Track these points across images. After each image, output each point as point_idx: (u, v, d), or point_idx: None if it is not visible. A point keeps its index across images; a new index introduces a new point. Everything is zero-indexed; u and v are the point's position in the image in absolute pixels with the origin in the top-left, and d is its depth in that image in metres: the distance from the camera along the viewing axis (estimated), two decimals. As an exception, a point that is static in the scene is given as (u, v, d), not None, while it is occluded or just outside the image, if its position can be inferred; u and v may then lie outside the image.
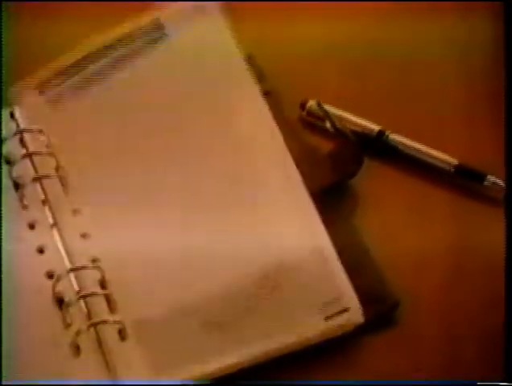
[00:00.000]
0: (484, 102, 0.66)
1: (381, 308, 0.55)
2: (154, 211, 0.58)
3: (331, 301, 0.54)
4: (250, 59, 0.65)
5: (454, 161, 0.61)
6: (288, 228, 0.57)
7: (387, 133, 0.63)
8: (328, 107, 0.64)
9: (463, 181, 0.61)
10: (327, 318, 0.54)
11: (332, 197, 0.60)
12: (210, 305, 0.55)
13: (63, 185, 0.61)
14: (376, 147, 0.63)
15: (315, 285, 0.55)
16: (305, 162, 0.60)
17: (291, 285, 0.55)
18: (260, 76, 0.64)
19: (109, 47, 0.65)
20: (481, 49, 0.68)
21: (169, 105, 0.62)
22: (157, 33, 0.65)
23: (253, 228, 0.57)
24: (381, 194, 0.61)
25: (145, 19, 0.65)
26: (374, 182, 0.61)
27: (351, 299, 0.54)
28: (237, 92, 0.61)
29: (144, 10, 0.66)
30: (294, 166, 0.58)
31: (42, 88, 0.65)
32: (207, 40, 0.63)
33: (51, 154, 0.61)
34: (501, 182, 0.60)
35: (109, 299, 0.56)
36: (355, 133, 0.63)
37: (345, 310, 0.54)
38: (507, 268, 0.57)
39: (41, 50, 0.68)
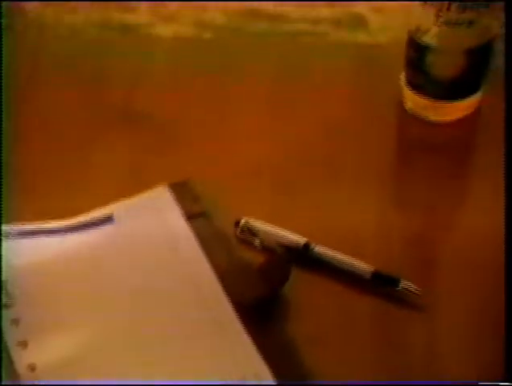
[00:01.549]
0: (396, 215, 0.68)
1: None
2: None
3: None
4: (187, 183, 0.67)
5: (371, 268, 0.62)
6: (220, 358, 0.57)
7: (312, 245, 0.64)
8: (259, 223, 0.65)
9: (380, 286, 0.63)
10: None
11: (264, 307, 0.60)
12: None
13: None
14: (303, 258, 0.63)
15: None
16: (238, 276, 0.61)
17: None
18: (195, 199, 0.66)
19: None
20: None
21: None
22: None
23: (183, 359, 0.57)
24: (309, 301, 0.61)
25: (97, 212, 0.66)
26: (303, 290, 0.62)
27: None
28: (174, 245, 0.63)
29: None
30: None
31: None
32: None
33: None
34: (413, 287, 0.61)
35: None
36: (284, 246, 0.64)
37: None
38: (507, 269, 0.57)
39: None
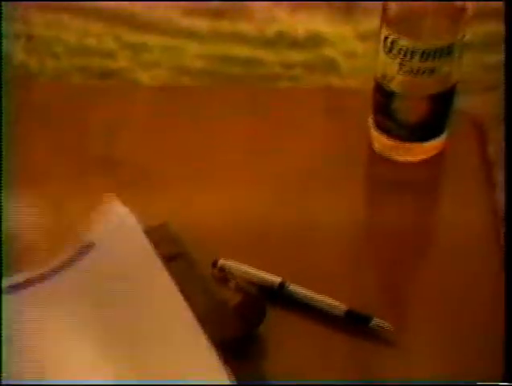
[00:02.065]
0: (368, 252, 0.68)
1: None
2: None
3: None
4: (164, 226, 0.67)
5: (344, 307, 0.62)
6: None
7: (287, 284, 0.64)
8: (235, 264, 0.65)
9: (354, 323, 0.62)
10: None
11: (241, 345, 0.60)
12: None
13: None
14: (279, 297, 0.63)
15: None
16: (215, 316, 0.61)
17: None
18: (173, 241, 0.66)
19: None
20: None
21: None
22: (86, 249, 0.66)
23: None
24: (285, 339, 0.61)
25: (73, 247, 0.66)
26: (279, 328, 0.62)
27: None
28: (149, 279, 0.63)
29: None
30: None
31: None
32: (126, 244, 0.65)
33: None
34: (385, 324, 0.61)
35: None
36: (260, 285, 0.64)
37: None
38: (507, 269, 0.57)
39: None
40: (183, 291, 0.63)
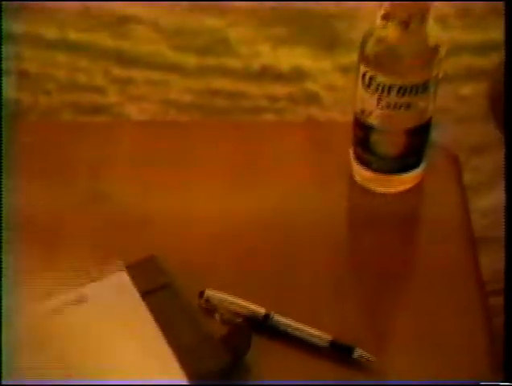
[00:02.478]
0: (350, 282, 0.68)
1: None
2: None
3: None
4: (151, 259, 0.66)
5: (328, 337, 0.62)
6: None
7: (272, 315, 0.63)
8: (221, 294, 0.65)
9: (337, 353, 0.62)
10: None
11: (227, 374, 0.60)
12: None
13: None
14: (264, 328, 0.63)
15: None
16: (202, 347, 0.60)
17: None
18: (160, 272, 0.65)
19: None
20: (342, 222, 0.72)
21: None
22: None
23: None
24: (270, 369, 0.61)
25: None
26: (264, 358, 0.61)
27: None
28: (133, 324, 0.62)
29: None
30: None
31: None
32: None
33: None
34: (367, 354, 0.61)
35: None
36: (245, 316, 0.64)
37: None
38: (507, 269, 0.56)
39: None
40: (169, 322, 0.63)
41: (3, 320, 0.62)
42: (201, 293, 0.65)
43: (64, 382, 0.56)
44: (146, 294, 0.64)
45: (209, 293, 0.65)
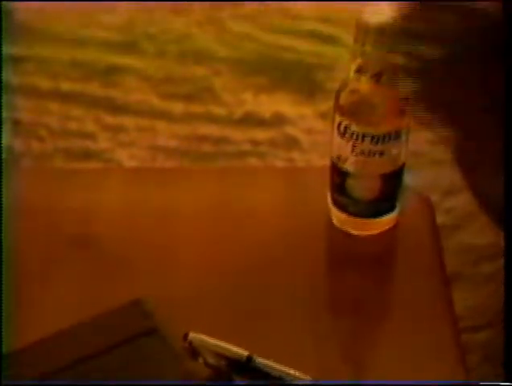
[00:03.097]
0: (329, 323, 0.66)
1: None
2: None
3: None
4: (138, 302, 0.65)
5: (308, 378, 0.60)
6: None
7: (254, 357, 0.61)
8: (205, 337, 0.63)
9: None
10: None
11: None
12: None
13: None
14: (246, 370, 0.61)
15: None
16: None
17: None
18: (146, 316, 0.64)
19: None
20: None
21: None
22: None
23: None
24: None
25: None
26: None
27: None
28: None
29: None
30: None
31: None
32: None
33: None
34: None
35: None
36: (228, 358, 0.62)
37: None
38: (507, 268, 0.55)
39: None
40: (155, 366, 0.62)
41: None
42: (185, 336, 0.64)
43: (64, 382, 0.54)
44: (132, 338, 0.64)
45: (193, 335, 0.64)
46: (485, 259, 0.95)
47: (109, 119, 1.10)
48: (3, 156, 1.03)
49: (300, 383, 0.58)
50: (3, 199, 0.75)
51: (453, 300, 0.73)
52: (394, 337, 0.64)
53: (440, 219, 1.02)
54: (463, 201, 1.02)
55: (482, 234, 0.98)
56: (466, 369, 0.63)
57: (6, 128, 1.12)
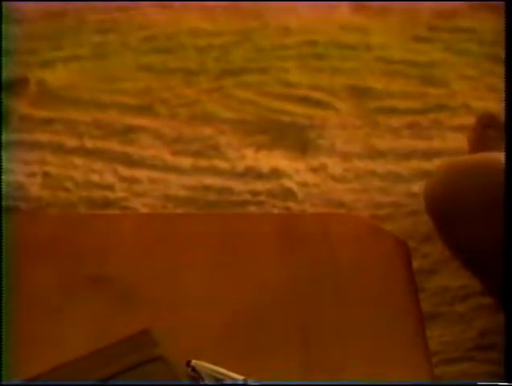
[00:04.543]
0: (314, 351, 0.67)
1: None
2: None
3: None
4: (146, 332, 0.64)
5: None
6: None
7: (249, 382, 0.61)
8: (205, 364, 0.62)
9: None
10: None
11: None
12: None
13: None
14: None
15: None
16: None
17: None
18: (154, 344, 0.63)
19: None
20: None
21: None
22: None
23: None
24: None
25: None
26: None
27: None
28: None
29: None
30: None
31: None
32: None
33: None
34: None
35: None
36: (225, 383, 0.61)
37: None
38: (507, 269, 0.53)
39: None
40: None
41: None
42: (188, 363, 0.64)
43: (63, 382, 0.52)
44: (140, 364, 0.64)
45: (195, 362, 0.63)
46: (459, 299, 0.94)
47: (126, 172, 1.11)
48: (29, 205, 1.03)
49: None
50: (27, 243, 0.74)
51: (430, 336, 0.72)
52: (371, 363, 0.63)
53: (418, 263, 1.01)
54: (439, 247, 1.01)
55: (456, 277, 0.97)
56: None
57: (36, 181, 1.13)
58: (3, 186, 1.10)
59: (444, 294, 0.95)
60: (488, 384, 0.52)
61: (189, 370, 0.64)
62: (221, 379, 0.62)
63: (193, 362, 0.64)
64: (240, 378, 0.63)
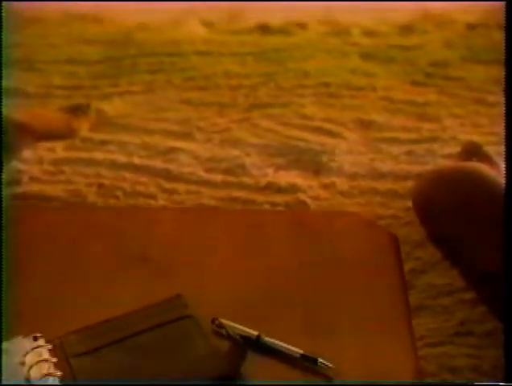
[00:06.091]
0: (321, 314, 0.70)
1: None
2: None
3: None
4: (179, 296, 0.69)
5: (300, 351, 0.65)
6: None
7: (262, 336, 0.66)
8: (227, 321, 0.67)
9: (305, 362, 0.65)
10: None
11: (229, 380, 0.63)
12: None
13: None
14: (256, 346, 0.66)
15: None
16: (212, 358, 0.64)
17: None
18: (185, 305, 0.68)
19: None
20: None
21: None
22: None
23: None
24: (261, 376, 0.63)
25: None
26: (256, 368, 0.64)
27: None
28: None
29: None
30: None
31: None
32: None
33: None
34: (327, 363, 0.63)
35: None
36: (242, 336, 0.67)
37: None
38: (507, 269, 0.53)
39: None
40: (190, 342, 0.66)
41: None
42: (213, 320, 0.68)
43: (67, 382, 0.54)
44: (172, 321, 0.68)
45: (219, 320, 0.68)
46: (444, 294, 0.98)
47: (167, 185, 1.17)
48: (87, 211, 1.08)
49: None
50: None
51: (418, 323, 0.73)
52: (362, 337, 0.66)
53: (411, 265, 1.05)
54: (429, 252, 1.05)
55: (442, 276, 1.00)
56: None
57: (92, 190, 1.18)
58: (65, 194, 1.16)
59: (431, 290, 0.98)
60: (488, 384, 0.50)
61: (214, 326, 0.69)
62: (239, 334, 0.67)
63: (217, 320, 0.69)
64: (255, 333, 0.68)
